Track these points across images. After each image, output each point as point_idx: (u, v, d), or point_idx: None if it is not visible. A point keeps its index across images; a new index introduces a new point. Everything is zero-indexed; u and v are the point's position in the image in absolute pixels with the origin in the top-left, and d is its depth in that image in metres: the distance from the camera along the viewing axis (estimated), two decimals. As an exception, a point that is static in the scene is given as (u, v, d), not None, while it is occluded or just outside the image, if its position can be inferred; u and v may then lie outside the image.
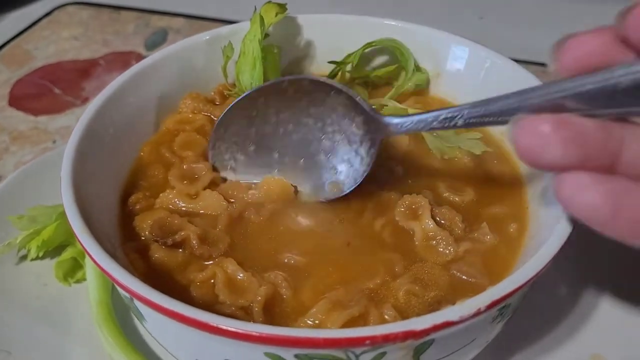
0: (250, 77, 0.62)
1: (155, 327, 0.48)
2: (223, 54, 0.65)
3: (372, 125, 0.51)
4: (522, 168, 0.60)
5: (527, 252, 0.50)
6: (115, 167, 0.58)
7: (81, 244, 0.45)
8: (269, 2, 0.65)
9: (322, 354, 0.40)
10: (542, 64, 1.04)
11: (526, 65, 0.64)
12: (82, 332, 0.63)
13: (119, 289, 0.48)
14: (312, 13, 0.71)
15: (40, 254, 0.68)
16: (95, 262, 0.44)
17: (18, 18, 1.26)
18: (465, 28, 0.65)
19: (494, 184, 0.59)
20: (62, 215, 0.69)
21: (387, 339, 0.38)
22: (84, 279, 0.68)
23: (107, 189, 0.56)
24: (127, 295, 0.45)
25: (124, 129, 0.60)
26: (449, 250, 0.51)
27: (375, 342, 0.38)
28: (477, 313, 0.40)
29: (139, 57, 1.13)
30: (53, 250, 0.69)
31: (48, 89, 1.05)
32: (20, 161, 0.90)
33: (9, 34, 1.20)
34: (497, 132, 0.63)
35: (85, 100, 1.03)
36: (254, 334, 0.39)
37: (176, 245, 0.52)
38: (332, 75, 0.70)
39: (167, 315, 0.40)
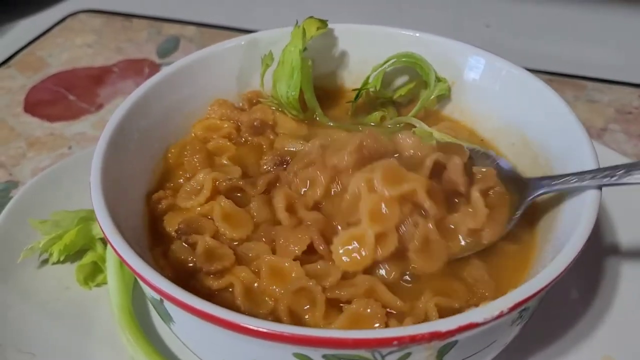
0: (287, 86, 0.64)
1: (183, 329, 0.49)
2: (262, 62, 0.67)
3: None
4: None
5: (545, 256, 0.51)
6: (142, 170, 0.60)
7: (112, 246, 0.46)
8: (311, 17, 0.67)
9: (350, 354, 0.41)
10: (549, 73, 1.07)
11: (534, 74, 0.65)
12: (104, 335, 0.64)
13: (148, 290, 0.49)
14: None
15: (62, 258, 0.69)
16: (127, 263, 0.45)
17: (30, 26, 1.27)
18: (471, 36, 0.67)
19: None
20: (83, 220, 0.70)
21: (414, 339, 0.40)
22: (104, 283, 0.69)
23: (134, 192, 0.58)
24: (157, 297, 0.47)
25: (150, 133, 0.61)
26: None
27: (402, 342, 0.40)
28: (500, 315, 0.41)
29: (152, 65, 1.14)
30: (74, 254, 0.71)
31: (63, 96, 1.07)
32: (38, 167, 0.91)
33: (22, 42, 1.22)
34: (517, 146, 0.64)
35: (99, 107, 1.04)
36: (285, 334, 0.40)
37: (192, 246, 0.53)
38: (356, 97, 0.71)
39: (199, 316, 0.42)
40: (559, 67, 1.09)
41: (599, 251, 0.71)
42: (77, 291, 0.68)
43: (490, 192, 0.56)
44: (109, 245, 0.69)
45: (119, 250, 0.46)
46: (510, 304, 0.42)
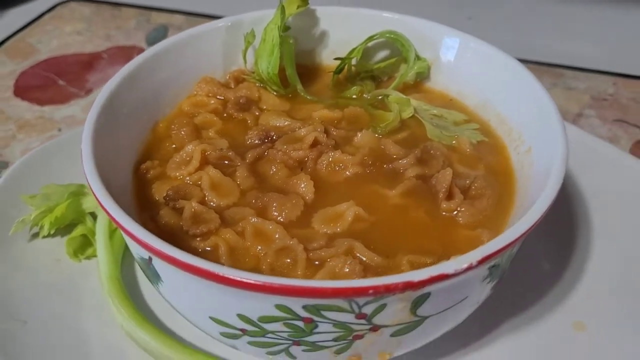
0: (267, 63, 0.66)
1: (171, 288, 0.51)
2: (245, 40, 0.69)
3: None
4: (514, 154, 0.63)
5: (516, 218, 0.54)
6: (131, 142, 0.62)
7: (103, 207, 0.48)
8: None
9: (329, 304, 0.44)
10: (528, 61, 1.10)
11: (531, 66, 0.68)
12: (94, 304, 0.66)
13: (137, 251, 0.51)
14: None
15: (52, 231, 0.71)
16: (117, 222, 0.47)
17: (20, 13, 1.29)
18: (454, 28, 0.70)
19: (489, 167, 0.63)
20: (73, 194, 0.72)
21: (388, 289, 0.42)
22: (94, 256, 0.71)
23: (123, 162, 0.60)
24: (146, 256, 0.49)
25: (139, 108, 0.64)
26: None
27: (377, 291, 0.42)
28: (469, 267, 0.44)
29: (141, 51, 1.15)
30: (64, 228, 0.72)
31: (52, 81, 1.08)
32: (27, 148, 0.93)
33: (12, 29, 1.23)
34: (494, 123, 0.67)
35: (89, 92, 1.06)
36: (266, 284, 0.42)
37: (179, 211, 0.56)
38: (339, 69, 0.74)
39: (186, 269, 0.44)
40: (538, 56, 1.13)
41: (572, 225, 0.74)
42: (68, 263, 0.70)
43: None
44: (98, 218, 0.71)
45: (110, 211, 0.48)
46: (479, 257, 0.44)
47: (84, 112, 1.01)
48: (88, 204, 0.73)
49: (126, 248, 0.71)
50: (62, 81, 1.08)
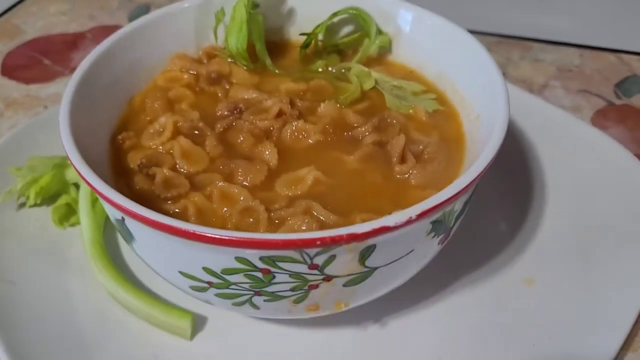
0: (236, 39, 0.71)
1: (143, 246, 0.56)
2: (215, 18, 0.73)
3: None
4: (465, 121, 0.68)
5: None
6: (107, 116, 0.66)
7: (80, 174, 0.53)
8: None
9: (282, 255, 0.48)
10: (499, 35, 1.14)
11: (485, 36, 0.71)
12: (78, 267, 0.71)
13: (112, 212, 0.56)
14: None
15: (38, 201, 0.76)
16: (91, 186, 0.51)
17: (5, -5, 1.32)
18: (423, 2, 0.73)
19: (442, 133, 0.67)
20: (58, 166, 0.77)
21: (334, 240, 0.47)
22: (78, 223, 0.76)
23: (100, 133, 0.64)
24: (119, 216, 0.54)
25: (115, 84, 0.68)
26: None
27: (324, 242, 0.47)
28: (409, 221, 0.49)
29: (124, 30, 1.19)
30: (49, 197, 0.77)
31: (38, 60, 1.12)
32: (15, 125, 0.97)
33: (-3, 11, 1.27)
34: (449, 93, 0.71)
35: (73, 70, 1.09)
36: (224, 237, 0.47)
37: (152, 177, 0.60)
38: (305, 44, 0.78)
39: (154, 227, 0.48)
40: (509, 29, 1.16)
41: (529, 190, 0.79)
42: (53, 231, 0.75)
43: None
44: (81, 188, 0.75)
45: (87, 178, 0.52)
46: (419, 211, 0.49)
47: (69, 90, 1.05)
48: (71, 175, 0.77)
49: (107, 216, 0.76)
50: (47, 60, 1.12)
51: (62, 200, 0.76)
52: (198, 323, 0.66)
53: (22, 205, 0.77)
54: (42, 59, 1.12)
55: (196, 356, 0.63)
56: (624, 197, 0.75)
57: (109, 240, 0.74)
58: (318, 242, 0.47)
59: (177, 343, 0.64)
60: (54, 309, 0.67)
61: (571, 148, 0.83)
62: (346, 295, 0.56)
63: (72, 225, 0.76)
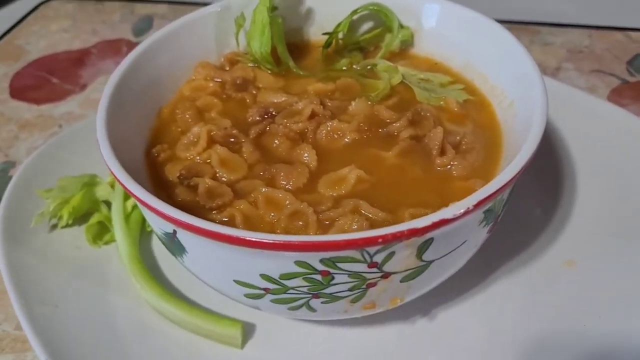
0: (259, 43, 0.70)
1: (195, 258, 0.56)
2: (235, 24, 0.73)
3: None
4: (498, 109, 0.68)
5: (504, 167, 0.58)
6: (139, 128, 0.65)
7: (128, 190, 0.52)
8: None
9: (343, 255, 0.48)
10: (507, 21, 1.14)
11: (509, 26, 0.71)
12: (119, 285, 0.71)
13: (161, 225, 0.55)
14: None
15: (70, 221, 0.75)
16: (142, 202, 0.51)
17: (3, 16, 1.31)
18: None
19: (476, 123, 0.68)
20: (86, 185, 0.76)
21: (395, 236, 0.47)
22: (112, 241, 0.75)
23: (134, 148, 0.63)
24: (170, 230, 0.53)
25: (143, 95, 0.67)
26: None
27: (386, 239, 0.47)
28: (467, 212, 0.49)
29: (129, 43, 1.19)
30: (80, 217, 0.76)
31: (46, 80, 1.11)
32: (32, 146, 0.96)
33: (-2, 32, 1.26)
34: (478, 82, 0.71)
35: (83, 87, 1.09)
36: (284, 242, 0.47)
37: (193, 188, 0.60)
38: (327, 44, 0.78)
39: (212, 237, 0.48)
40: (516, 15, 1.17)
41: (557, 171, 0.80)
42: (88, 250, 0.75)
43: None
44: (113, 205, 0.75)
45: (136, 193, 0.52)
46: (475, 202, 0.49)
47: (81, 107, 1.04)
48: (101, 192, 0.77)
49: (142, 230, 0.76)
50: (56, 79, 1.11)
51: (95, 218, 0.75)
52: (247, 330, 0.66)
53: (54, 227, 0.76)
54: (50, 78, 1.11)
55: (250, 364, 0.63)
56: (655, 173, 0.76)
57: (145, 255, 0.74)
58: (380, 240, 0.47)
59: (229, 352, 0.64)
60: (100, 329, 0.66)
61: (595, 127, 0.83)
62: (402, 290, 0.56)
63: (106, 243, 0.75)
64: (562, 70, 1.04)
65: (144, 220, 0.76)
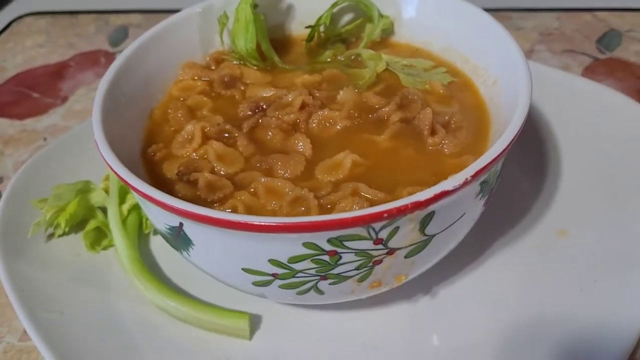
0: (244, 40, 0.71)
1: (203, 250, 0.56)
2: (218, 23, 0.74)
3: None
4: (482, 87, 0.70)
5: (494, 142, 0.60)
6: (132, 130, 0.66)
7: (129, 185, 0.53)
8: None
9: (350, 233, 0.49)
10: (491, 10, 1.17)
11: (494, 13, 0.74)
12: (121, 287, 0.71)
13: (166, 219, 0.56)
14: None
15: (67, 229, 0.75)
16: (150, 197, 0.51)
17: (-24, 36, 1.29)
18: None
19: (462, 103, 0.70)
20: (81, 192, 0.76)
21: (400, 210, 0.48)
22: (110, 246, 0.76)
23: (130, 149, 0.64)
24: (177, 222, 0.54)
25: (134, 97, 0.68)
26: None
27: (391, 214, 0.48)
28: (466, 182, 0.50)
29: (107, 54, 1.19)
30: (77, 225, 0.76)
31: (26, 95, 1.11)
32: (19, 161, 0.96)
33: (-28, 52, 1.24)
34: (459, 64, 0.73)
35: (64, 99, 1.08)
36: (292, 223, 0.48)
37: (193, 183, 0.61)
38: (310, 37, 0.79)
39: (223, 225, 0.49)
40: (487, 3, 1.19)
41: (541, 146, 0.82)
42: (87, 256, 0.75)
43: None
44: (109, 210, 0.75)
45: (142, 189, 0.52)
46: (472, 172, 0.51)
47: (64, 120, 1.04)
48: (96, 198, 0.77)
49: (139, 233, 0.76)
50: (36, 93, 1.11)
51: (91, 224, 0.75)
52: (254, 322, 0.66)
53: (51, 235, 0.76)
54: (30, 93, 1.11)
55: (261, 354, 0.64)
56: (633, 139, 0.79)
57: (144, 257, 0.74)
58: (385, 215, 0.48)
59: (238, 344, 0.65)
60: (107, 332, 0.66)
61: (572, 101, 0.86)
62: (407, 266, 0.57)
63: (105, 248, 0.76)
64: (535, 52, 1.07)
65: (140, 223, 0.76)
